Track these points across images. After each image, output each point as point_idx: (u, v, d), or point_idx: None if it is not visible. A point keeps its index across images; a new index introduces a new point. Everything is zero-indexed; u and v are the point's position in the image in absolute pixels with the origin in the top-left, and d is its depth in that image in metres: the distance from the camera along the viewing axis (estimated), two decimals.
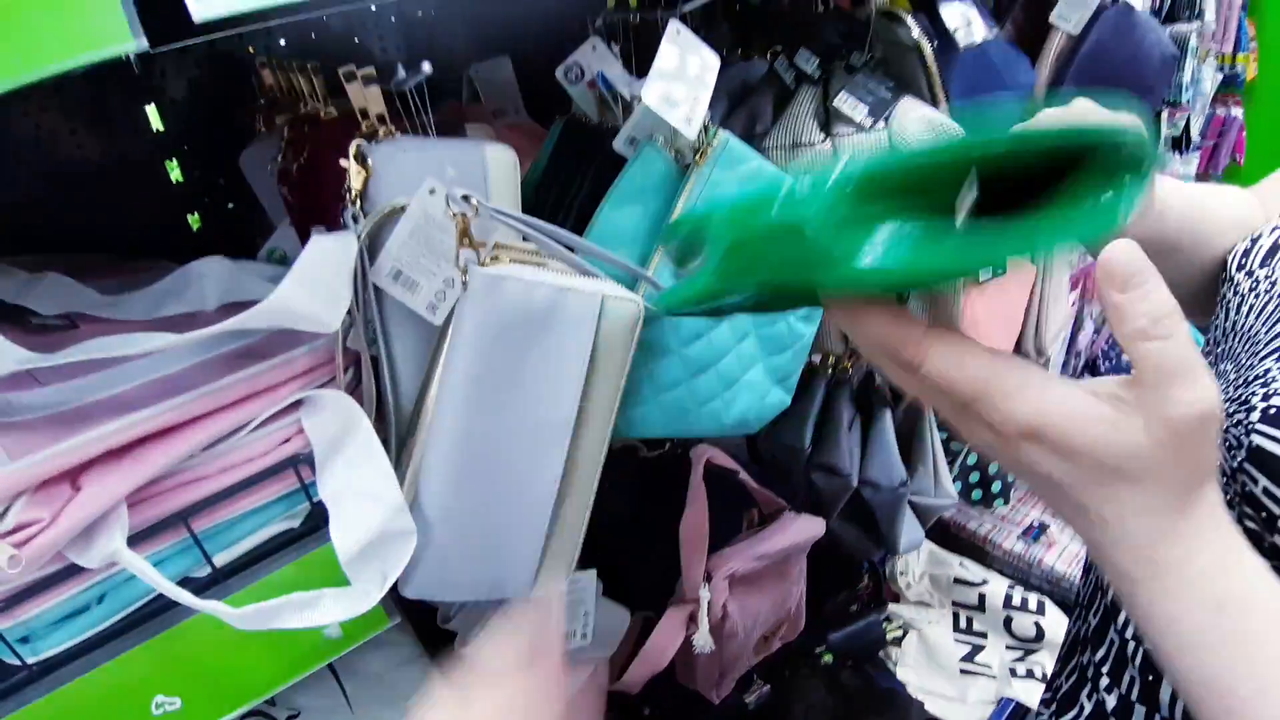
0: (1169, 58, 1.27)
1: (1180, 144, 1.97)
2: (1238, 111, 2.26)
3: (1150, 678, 0.49)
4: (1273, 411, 0.40)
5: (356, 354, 0.56)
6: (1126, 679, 0.50)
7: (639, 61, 0.72)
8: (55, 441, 0.47)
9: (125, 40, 0.38)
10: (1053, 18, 1.17)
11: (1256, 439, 0.40)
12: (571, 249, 0.55)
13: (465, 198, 0.49)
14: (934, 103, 0.80)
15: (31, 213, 0.83)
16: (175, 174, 0.94)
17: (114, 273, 0.73)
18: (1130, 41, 1.19)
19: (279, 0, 0.38)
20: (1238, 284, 0.50)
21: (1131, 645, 0.50)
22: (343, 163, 0.52)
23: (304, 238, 0.70)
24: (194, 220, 0.95)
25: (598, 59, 0.69)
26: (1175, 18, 1.82)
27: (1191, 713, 0.32)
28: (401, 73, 0.51)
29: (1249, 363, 0.45)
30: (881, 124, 0.75)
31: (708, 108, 0.63)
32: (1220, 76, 2.15)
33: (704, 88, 0.60)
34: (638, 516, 0.85)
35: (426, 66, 0.50)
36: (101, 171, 0.87)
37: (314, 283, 0.47)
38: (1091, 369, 2.12)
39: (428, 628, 0.78)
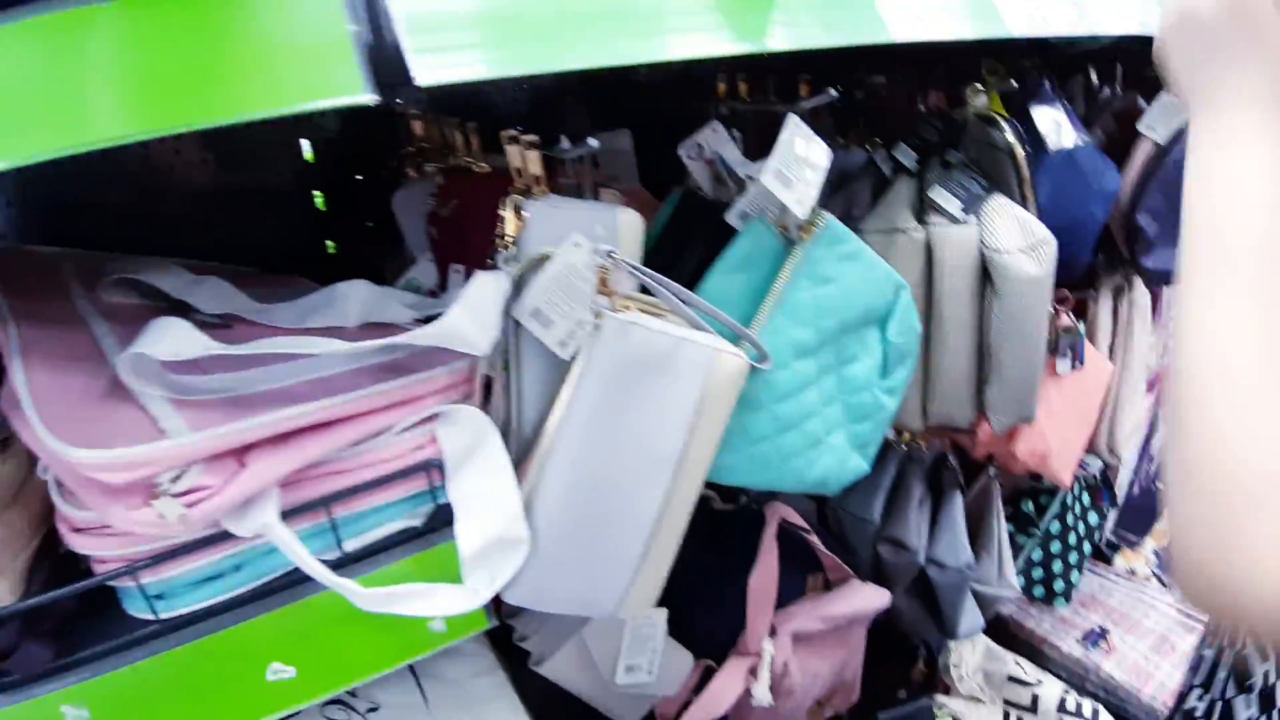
0: None
1: None
2: None
3: None
4: None
5: (489, 377, 0.63)
6: None
7: (751, 144, 0.80)
8: (230, 421, 0.55)
9: (358, 91, 0.47)
10: (1141, 126, 1.22)
11: None
12: (686, 304, 0.62)
13: (610, 254, 0.57)
14: (1024, 203, 0.85)
15: (190, 224, 0.94)
16: (320, 202, 1.05)
17: (262, 284, 0.82)
18: None
19: (491, 73, 0.46)
20: None
21: None
22: (501, 212, 0.61)
23: (443, 273, 0.78)
24: (331, 245, 1.06)
25: (716, 140, 0.77)
26: None
27: None
28: (566, 144, 0.59)
29: None
30: (973, 218, 0.80)
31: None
32: None
33: (817, 175, 0.67)
34: (707, 565, 0.89)
35: (594, 142, 0.58)
36: (252, 194, 0.99)
37: (476, 313, 0.54)
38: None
39: (503, 644, 0.83)
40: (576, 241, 0.59)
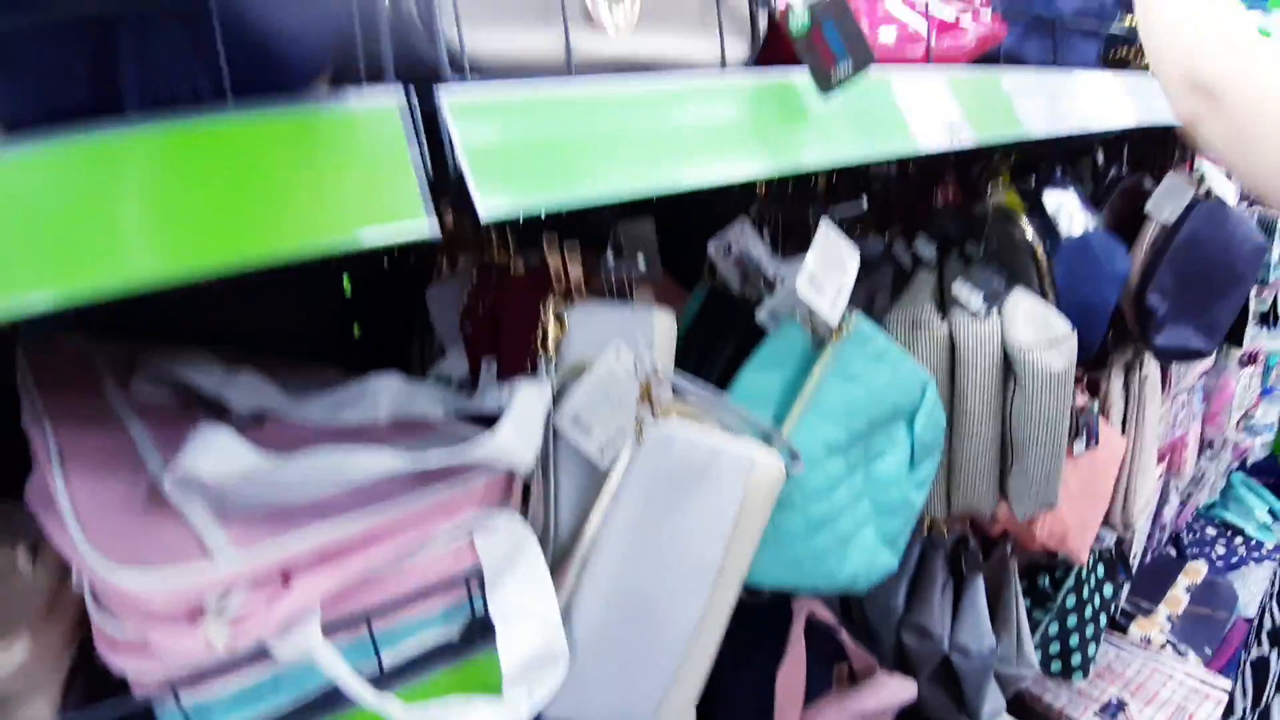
0: (1259, 248, 1.32)
1: (1268, 318, 1.99)
2: None
3: None
4: None
5: (526, 483, 0.63)
6: None
7: (779, 241, 0.82)
8: (275, 535, 0.55)
9: (420, 219, 0.48)
10: (1148, 208, 1.25)
11: None
12: (721, 409, 0.63)
13: (653, 370, 0.57)
14: (1044, 295, 0.87)
15: (215, 304, 0.94)
16: (346, 286, 1.07)
17: (292, 373, 0.83)
18: (1223, 234, 1.25)
19: (546, 205, 0.48)
20: None
21: None
22: (544, 320, 0.62)
23: (474, 368, 0.79)
24: (357, 329, 1.07)
25: (744, 238, 0.79)
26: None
27: None
28: (611, 261, 0.60)
29: None
30: (995, 313, 0.82)
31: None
32: None
33: (848, 279, 0.68)
34: (733, 659, 0.88)
35: (642, 264, 0.60)
36: (279, 276, 0.99)
37: (522, 427, 0.55)
38: (1175, 542, 2.07)
39: None
40: (618, 350, 0.60)
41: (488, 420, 0.67)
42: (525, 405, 0.56)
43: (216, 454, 0.54)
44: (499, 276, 0.76)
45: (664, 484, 0.58)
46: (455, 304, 0.80)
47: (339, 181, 0.46)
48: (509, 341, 0.72)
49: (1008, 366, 0.83)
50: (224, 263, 0.42)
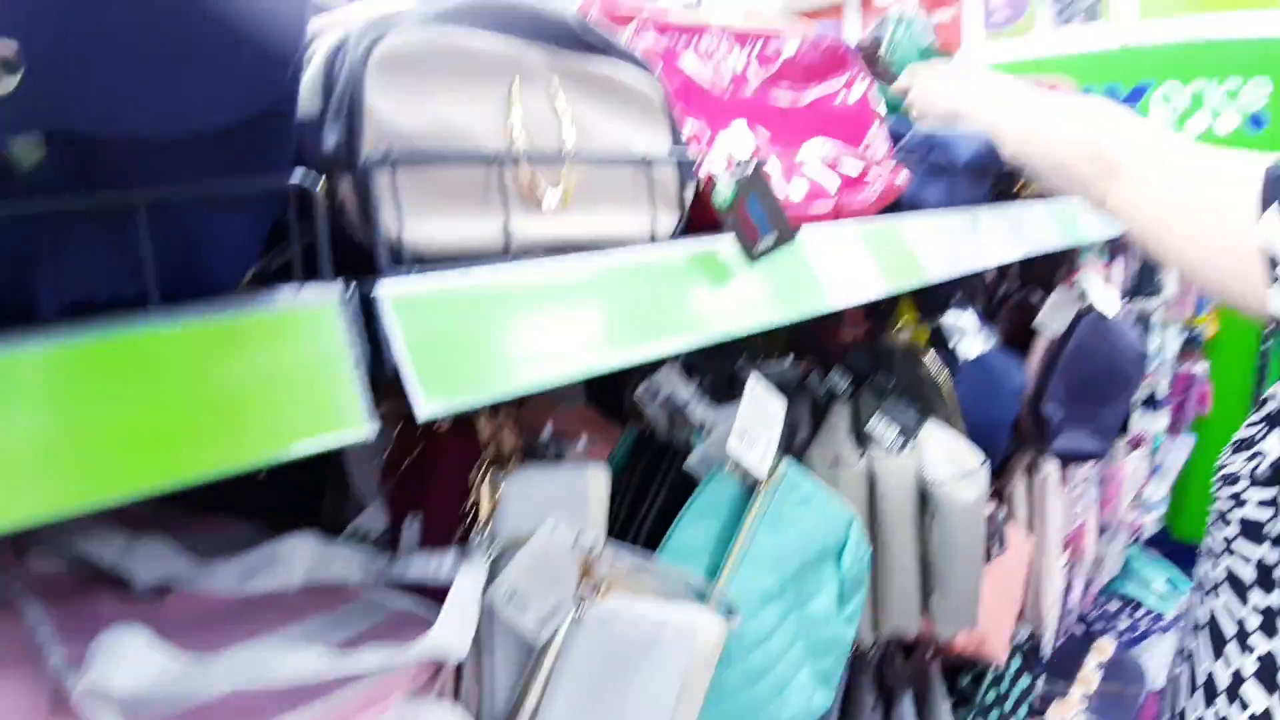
0: (1141, 355, 1.44)
1: (1150, 401, 2.14)
2: (1199, 368, 2.46)
3: None
4: None
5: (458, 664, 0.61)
6: None
7: (704, 382, 0.84)
8: None
9: (360, 425, 0.47)
10: (1037, 322, 1.35)
11: None
12: (658, 572, 0.63)
13: (591, 549, 0.57)
14: (952, 427, 0.92)
15: None
16: None
17: (198, 528, 0.78)
18: (1107, 344, 1.36)
19: (487, 399, 0.48)
20: None
21: None
22: (476, 490, 0.61)
23: (396, 524, 0.77)
24: (262, 473, 1.02)
25: (671, 382, 0.81)
26: (1140, 292, 2.05)
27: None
28: (549, 437, 0.61)
29: None
30: (910, 447, 0.86)
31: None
32: (1184, 337, 2.37)
33: (775, 431, 0.71)
34: None
35: (580, 446, 0.60)
36: None
37: (460, 619, 0.53)
38: (1081, 619, 2.16)
39: None
40: (555, 524, 0.59)
41: (412, 587, 0.66)
42: (463, 594, 0.55)
43: (126, 664, 0.51)
44: (424, 429, 0.75)
45: (606, 661, 0.58)
46: (374, 455, 0.78)
47: (271, 389, 0.44)
48: (434, 500, 0.71)
49: (924, 497, 0.87)
50: (136, 489, 0.40)
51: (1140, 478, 2.12)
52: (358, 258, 0.52)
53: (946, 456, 0.85)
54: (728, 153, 0.70)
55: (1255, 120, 2.46)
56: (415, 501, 0.74)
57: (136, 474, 0.40)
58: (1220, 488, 0.66)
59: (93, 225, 0.45)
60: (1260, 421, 0.66)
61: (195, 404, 0.42)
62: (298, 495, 0.94)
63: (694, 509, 0.72)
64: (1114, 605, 2.32)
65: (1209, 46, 2.52)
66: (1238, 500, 0.64)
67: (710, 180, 0.67)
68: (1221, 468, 0.68)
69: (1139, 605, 2.32)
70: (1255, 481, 0.63)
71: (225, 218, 0.47)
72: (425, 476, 0.74)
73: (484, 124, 0.54)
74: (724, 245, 0.66)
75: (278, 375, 0.45)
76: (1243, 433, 0.67)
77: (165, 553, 0.71)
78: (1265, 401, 0.67)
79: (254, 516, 0.82)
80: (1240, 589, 0.63)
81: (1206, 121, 2.53)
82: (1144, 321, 1.95)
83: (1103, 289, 1.37)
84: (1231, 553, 0.65)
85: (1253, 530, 0.62)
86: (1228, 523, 0.65)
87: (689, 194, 0.66)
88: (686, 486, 0.74)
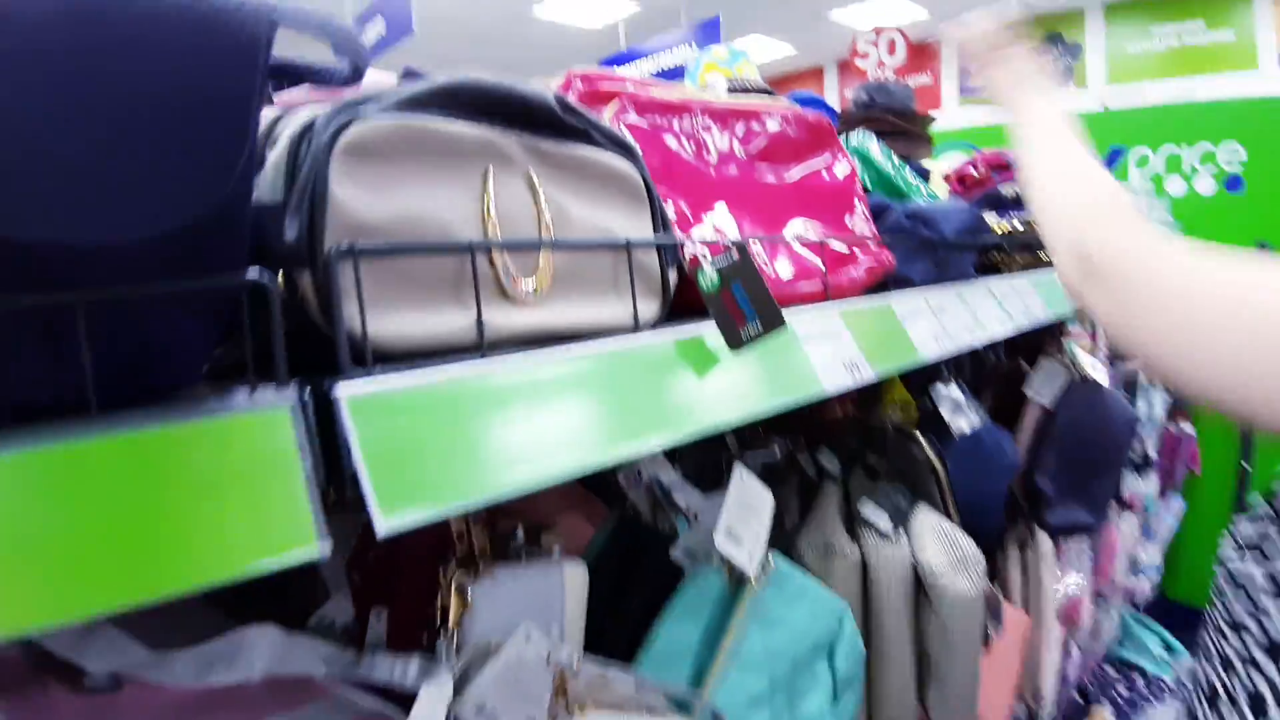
0: (1132, 422, 1.42)
1: (1141, 465, 2.12)
2: (1188, 427, 2.45)
3: None
4: None
5: None
6: None
7: (690, 467, 0.81)
8: None
9: (310, 544, 0.43)
10: (1028, 393, 1.33)
11: None
12: (639, 687, 0.59)
13: (569, 662, 0.53)
14: (946, 511, 0.89)
15: None
16: None
17: (160, 617, 0.73)
18: (1098, 414, 1.34)
19: (453, 510, 0.44)
20: None
21: None
22: (443, 593, 0.57)
23: (361, 616, 0.72)
24: None
25: (656, 466, 0.77)
26: (1124, 355, 2.04)
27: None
28: (520, 539, 0.57)
29: None
30: (903, 533, 0.82)
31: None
32: (1171, 398, 2.35)
33: (764, 524, 0.67)
34: None
35: (557, 553, 0.56)
36: None
37: None
38: (1081, 691, 2.10)
39: None
40: (529, 633, 0.55)
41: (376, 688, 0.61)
42: (426, 712, 0.51)
43: None
44: None
45: None
46: (342, 550, 0.74)
47: (216, 505, 0.40)
48: (402, 592, 0.67)
49: (919, 584, 0.83)
50: (59, 617, 0.36)
51: (1133, 542, 2.09)
52: (323, 350, 0.49)
53: (942, 544, 0.82)
54: (712, 236, 0.68)
55: (1232, 182, 2.51)
56: (383, 593, 0.69)
57: (60, 602, 0.36)
58: (1234, 588, 0.63)
59: (30, 328, 0.42)
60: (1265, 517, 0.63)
61: (131, 522, 0.38)
62: (265, 588, 0.89)
63: (678, 606, 0.68)
64: (1111, 671, 2.26)
65: (1175, 110, 2.58)
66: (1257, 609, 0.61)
67: (695, 261, 0.65)
68: (1226, 560, 0.64)
69: (1136, 669, 2.26)
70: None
71: (174, 317, 0.44)
72: (393, 567, 0.70)
73: (456, 212, 0.51)
74: (711, 331, 0.63)
75: (223, 489, 0.41)
76: (1245, 530, 0.64)
77: (121, 642, 0.66)
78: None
79: (215, 598, 0.77)
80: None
81: (1183, 186, 2.58)
82: (1130, 385, 1.94)
83: (1089, 359, 1.36)
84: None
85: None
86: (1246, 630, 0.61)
87: (673, 278, 0.64)
88: (671, 573, 0.70)
